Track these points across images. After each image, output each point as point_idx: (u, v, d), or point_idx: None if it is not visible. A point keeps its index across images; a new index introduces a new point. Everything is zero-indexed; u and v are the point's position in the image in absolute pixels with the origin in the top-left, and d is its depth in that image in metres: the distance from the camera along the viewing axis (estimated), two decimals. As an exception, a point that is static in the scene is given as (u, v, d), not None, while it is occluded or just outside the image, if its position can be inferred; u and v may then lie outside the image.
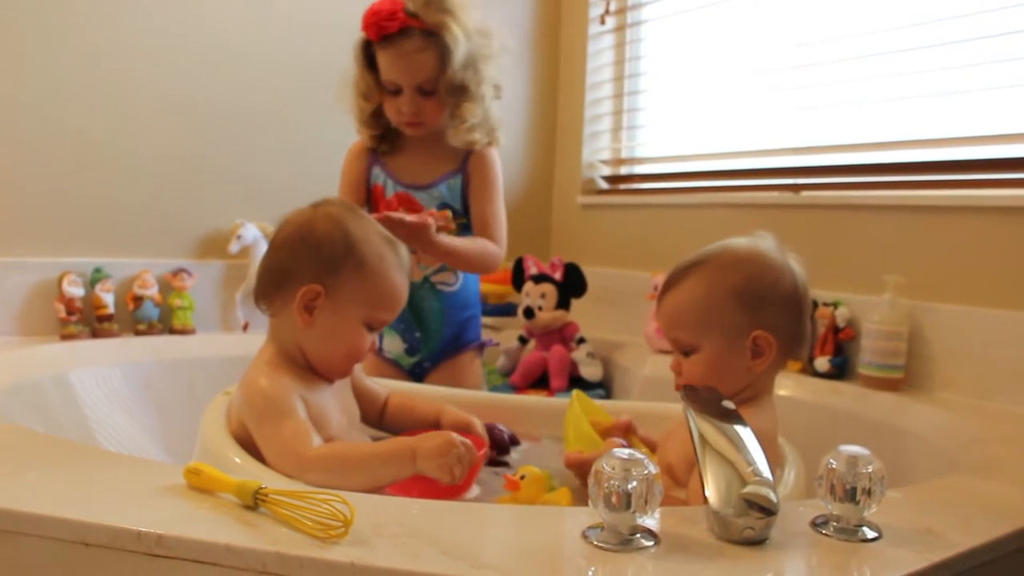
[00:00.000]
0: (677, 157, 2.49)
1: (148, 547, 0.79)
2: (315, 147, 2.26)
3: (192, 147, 2.10)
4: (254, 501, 0.86)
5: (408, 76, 1.59)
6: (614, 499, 0.80)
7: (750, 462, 0.88)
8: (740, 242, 1.13)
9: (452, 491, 1.12)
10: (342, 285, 1.11)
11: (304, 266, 1.11)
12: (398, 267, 1.15)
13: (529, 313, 2.14)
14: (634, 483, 0.79)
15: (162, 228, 2.05)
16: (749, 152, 2.23)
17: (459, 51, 1.57)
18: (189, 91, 2.09)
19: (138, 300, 1.93)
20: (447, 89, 1.62)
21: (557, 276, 2.13)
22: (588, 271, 2.16)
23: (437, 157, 1.71)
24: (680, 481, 1.13)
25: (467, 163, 1.72)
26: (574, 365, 2.15)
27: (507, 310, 2.33)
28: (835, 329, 1.78)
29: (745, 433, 0.92)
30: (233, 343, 2.03)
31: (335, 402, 1.18)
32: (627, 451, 0.83)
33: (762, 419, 1.09)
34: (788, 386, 1.76)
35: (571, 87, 2.71)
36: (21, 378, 1.62)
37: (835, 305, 1.79)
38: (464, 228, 1.72)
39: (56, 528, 0.82)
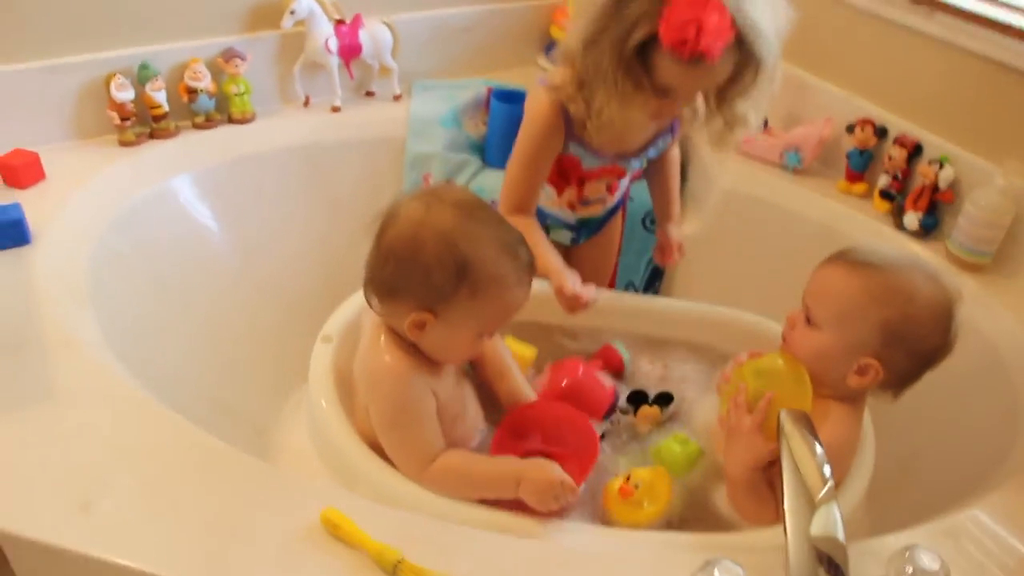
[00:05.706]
0: None
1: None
2: None
3: None
4: (393, 573, 0.94)
5: (701, 88, 1.29)
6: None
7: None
8: (930, 278, 1.08)
9: None
10: (454, 308, 1.04)
11: (411, 289, 1.04)
12: (517, 281, 1.06)
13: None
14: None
15: (205, 1, 1.81)
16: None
17: (770, 59, 1.21)
18: None
19: (192, 93, 1.79)
20: (736, 93, 1.28)
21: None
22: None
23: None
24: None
25: None
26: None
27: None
28: (934, 187, 1.68)
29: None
30: (296, 128, 1.93)
31: (461, 392, 1.19)
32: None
33: (845, 428, 1.13)
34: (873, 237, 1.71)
35: None
36: (115, 206, 1.61)
37: (941, 163, 1.67)
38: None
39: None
